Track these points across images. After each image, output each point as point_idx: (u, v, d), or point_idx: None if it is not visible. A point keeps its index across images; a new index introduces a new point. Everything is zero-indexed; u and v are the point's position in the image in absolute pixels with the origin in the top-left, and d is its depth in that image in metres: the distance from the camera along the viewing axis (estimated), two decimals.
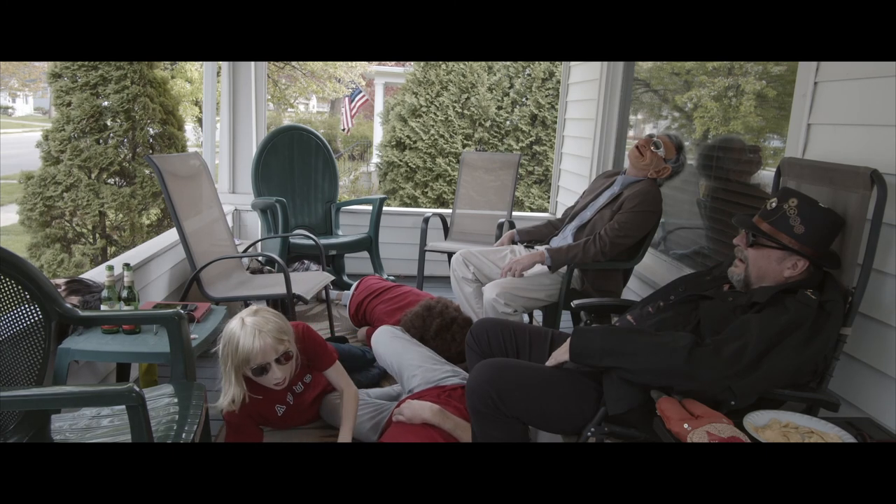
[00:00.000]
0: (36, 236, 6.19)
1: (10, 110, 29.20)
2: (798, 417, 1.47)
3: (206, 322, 2.34)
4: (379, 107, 13.70)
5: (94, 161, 5.98)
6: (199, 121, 12.08)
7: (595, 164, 4.07)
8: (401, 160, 9.30)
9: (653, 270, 3.30)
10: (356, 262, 4.40)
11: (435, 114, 9.11)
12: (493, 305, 2.56)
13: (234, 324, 1.92)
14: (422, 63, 9.26)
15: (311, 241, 3.73)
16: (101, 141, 6.09)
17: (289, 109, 17.43)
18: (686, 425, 1.39)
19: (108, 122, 6.07)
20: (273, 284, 3.10)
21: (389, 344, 2.49)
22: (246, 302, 3.23)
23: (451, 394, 2.18)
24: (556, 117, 6.49)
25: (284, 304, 3.36)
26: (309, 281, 3.07)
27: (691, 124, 3.31)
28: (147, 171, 6.18)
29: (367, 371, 2.75)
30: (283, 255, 3.69)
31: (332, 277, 3.35)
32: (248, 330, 1.88)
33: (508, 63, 8.98)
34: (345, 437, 2.08)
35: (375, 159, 10.47)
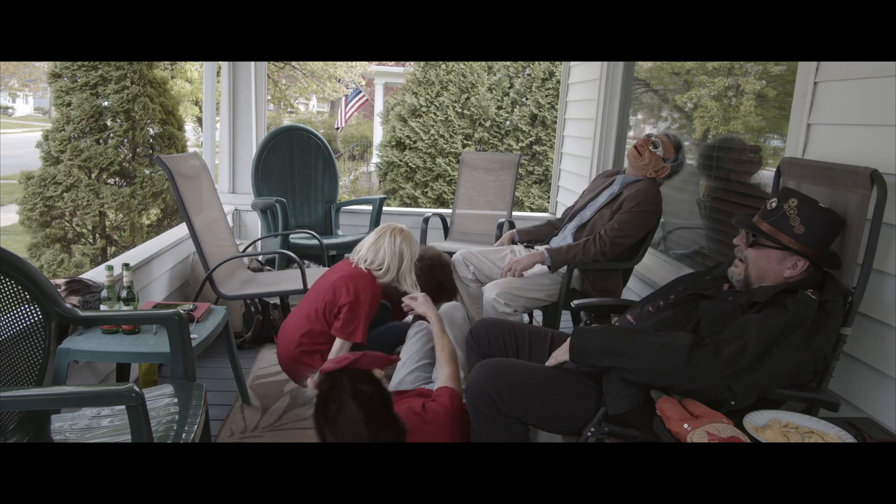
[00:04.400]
0: (36, 236, 6.19)
1: (10, 110, 29.16)
2: (798, 417, 1.47)
3: (205, 322, 2.34)
4: (379, 107, 13.70)
5: (94, 161, 5.98)
6: (199, 121, 12.08)
7: (595, 164, 4.07)
8: (401, 160, 9.30)
9: (653, 270, 3.30)
10: None
11: (435, 114, 9.10)
12: (493, 305, 2.56)
13: (393, 232, 2.46)
14: (422, 63, 9.25)
15: (310, 241, 3.73)
16: (101, 141, 6.09)
17: (289, 109, 17.41)
18: (686, 425, 1.39)
19: (108, 123, 6.07)
20: (284, 281, 3.12)
21: (455, 321, 2.41)
22: (252, 299, 3.24)
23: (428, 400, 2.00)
24: (556, 117, 6.49)
25: (284, 302, 3.37)
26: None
27: (691, 124, 3.31)
28: (147, 171, 6.18)
29: (390, 327, 2.67)
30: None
31: None
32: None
33: (508, 63, 8.97)
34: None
35: (375, 159, 10.46)
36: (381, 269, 2.44)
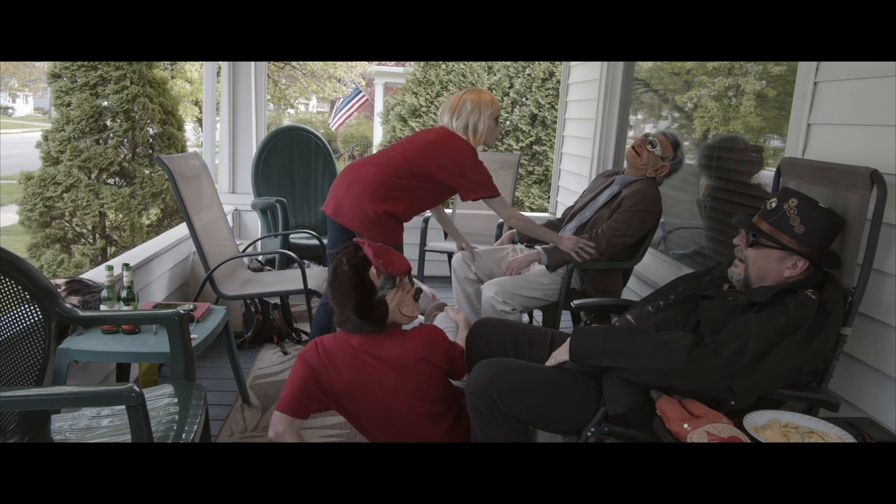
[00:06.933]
0: (36, 236, 6.19)
1: (10, 110, 29.13)
2: (798, 417, 1.47)
3: (205, 322, 2.34)
4: (379, 107, 13.70)
5: (93, 161, 5.98)
6: (199, 121, 12.07)
7: (595, 164, 4.07)
8: None
9: (653, 270, 3.30)
10: None
11: (435, 114, 9.10)
12: (491, 303, 2.56)
13: (465, 95, 2.50)
14: (422, 63, 9.25)
15: (310, 241, 3.73)
16: (100, 141, 6.09)
17: (289, 109, 17.41)
18: (686, 425, 1.39)
19: (108, 123, 6.08)
20: (284, 281, 3.13)
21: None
22: (252, 299, 3.24)
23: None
24: (556, 117, 6.48)
25: (284, 302, 3.37)
26: (319, 277, 3.09)
27: (691, 124, 3.31)
28: (147, 171, 6.18)
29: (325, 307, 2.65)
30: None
31: None
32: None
33: (508, 63, 8.97)
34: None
35: None
36: (468, 131, 2.49)
